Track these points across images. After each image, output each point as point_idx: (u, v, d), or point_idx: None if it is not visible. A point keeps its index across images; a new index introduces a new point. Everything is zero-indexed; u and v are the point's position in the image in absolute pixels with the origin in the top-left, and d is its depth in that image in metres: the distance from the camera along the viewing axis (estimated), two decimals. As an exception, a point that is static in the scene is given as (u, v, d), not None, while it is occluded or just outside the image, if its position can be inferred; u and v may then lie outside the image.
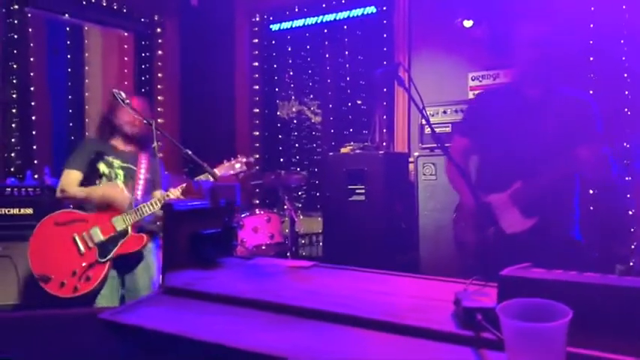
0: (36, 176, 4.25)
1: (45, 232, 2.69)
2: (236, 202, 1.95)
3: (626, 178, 3.67)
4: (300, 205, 5.62)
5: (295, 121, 5.90)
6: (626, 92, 3.73)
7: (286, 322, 1.25)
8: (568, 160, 2.15)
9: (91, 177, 2.79)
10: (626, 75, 3.77)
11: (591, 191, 3.82)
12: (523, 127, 2.24)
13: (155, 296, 1.51)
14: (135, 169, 2.85)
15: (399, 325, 1.13)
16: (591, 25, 3.88)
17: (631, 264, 3.39)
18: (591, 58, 3.87)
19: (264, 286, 1.51)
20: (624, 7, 3.78)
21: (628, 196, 3.66)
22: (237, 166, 2.79)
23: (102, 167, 2.79)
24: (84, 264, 2.62)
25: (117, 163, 2.83)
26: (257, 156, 5.73)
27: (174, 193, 2.70)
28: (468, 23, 4.22)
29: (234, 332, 1.21)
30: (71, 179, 2.77)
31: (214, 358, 1.18)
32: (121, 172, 2.82)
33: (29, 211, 3.65)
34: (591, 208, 3.82)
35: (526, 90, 2.32)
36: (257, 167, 5.66)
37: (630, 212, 3.64)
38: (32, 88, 4.53)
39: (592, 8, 3.81)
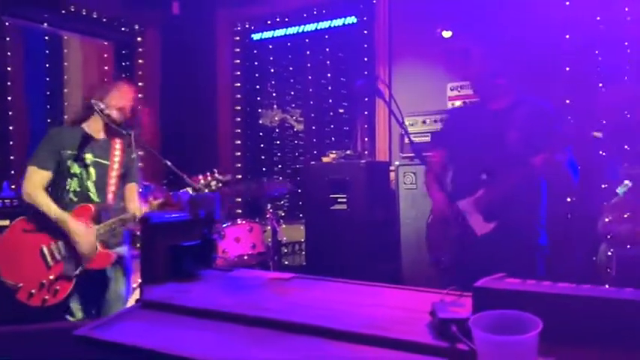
0: (13, 187, 4.19)
1: (13, 239, 2.60)
2: (215, 213, 1.95)
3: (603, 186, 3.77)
4: (282, 214, 5.61)
5: (277, 130, 5.91)
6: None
7: (268, 336, 1.25)
8: (524, 168, 2.25)
9: (60, 177, 2.64)
10: (600, 85, 3.86)
11: (569, 199, 3.90)
12: (488, 139, 2.37)
13: (133, 310, 1.50)
14: (107, 164, 2.71)
15: (380, 338, 1.14)
16: (567, 36, 3.97)
17: (608, 270, 3.46)
18: (567, 69, 3.95)
19: (244, 299, 1.51)
20: (598, 18, 3.88)
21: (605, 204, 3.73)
22: (213, 184, 2.71)
23: (72, 166, 2.64)
24: (51, 277, 2.55)
25: (89, 158, 2.67)
26: (239, 165, 5.72)
27: (152, 206, 2.65)
28: (447, 34, 4.28)
29: (215, 348, 1.20)
30: (37, 180, 2.60)
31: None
32: (92, 172, 2.67)
33: (6, 222, 3.59)
34: (569, 216, 3.90)
35: (489, 103, 2.47)
36: (239, 176, 5.65)
37: (607, 219, 3.71)
38: (9, 98, 4.47)
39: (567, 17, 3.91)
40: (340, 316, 1.32)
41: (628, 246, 3.54)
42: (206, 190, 2.67)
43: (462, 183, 2.48)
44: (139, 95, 2.89)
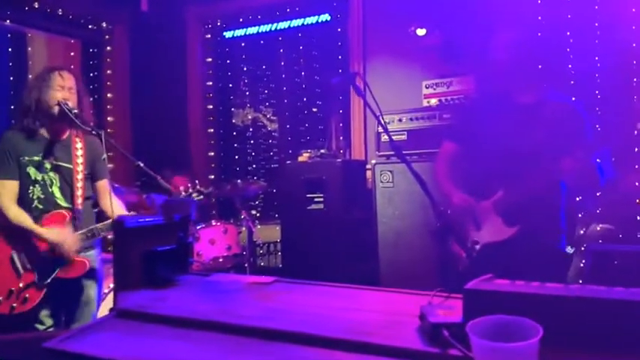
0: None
1: None
2: (191, 216, 1.88)
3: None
4: (257, 214, 5.54)
5: (251, 129, 5.83)
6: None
7: (246, 344, 1.19)
8: (550, 170, 2.12)
9: (22, 185, 2.50)
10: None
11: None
12: (512, 135, 2.21)
13: (106, 320, 1.42)
14: (71, 167, 2.58)
15: (365, 344, 1.10)
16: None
17: (581, 265, 3.48)
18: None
19: (222, 305, 1.45)
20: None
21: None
22: (194, 196, 2.62)
23: (33, 173, 2.51)
24: (21, 285, 2.45)
25: (48, 165, 2.54)
26: (212, 165, 5.63)
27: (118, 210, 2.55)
28: (421, 32, 4.27)
29: (192, 358, 1.14)
30: (7, 192, 2.48)
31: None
32: (55, 177, 2.55)
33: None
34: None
35: (517, 96, 2.31)
36: (212, 176, 5.56)
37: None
38: (-29, 98, 4.28)
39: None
40: (323, 321, 1.27)
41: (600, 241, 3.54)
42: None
43: (480, 179, 2.33)
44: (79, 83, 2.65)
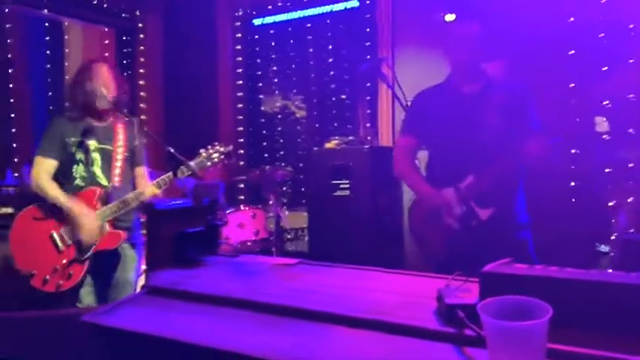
0: (16, 175, 4.19)
1: (24, 228, 2.64)
2: (219, 200, 1.94)
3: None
4: (285, 201, 5.61)
5: (279, 116, 5.88)
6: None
7: (273, 322, 1.25)
8: (515, 154, 2.24)
9: (66, 164, 2.69)
10: (605, 68, 3.82)
11: (573, 183, 3.89)
12: (464, 123, 2.34)
13: (138, 296, 1.50)
14: (111, 149, 2.75)
15: (384, 323, 1.14)
16: (571, 19, 3.92)
17: (612, 254, 3.45)
18: (572, 52, 3.90)
19: (249, 284, 1.51)
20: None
21: (609, 187, 3.72)
22: (215, 156, 2.72)
23: (77, 153, 2.68)
24: (64, 261, 2.59)
25: (93, 145, 2.71)
26: (241, 152, 5.71)
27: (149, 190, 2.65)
28: (450, 17, 4.23)
29: (220, 334, 1.20)
30: (43, 169, 2.66)
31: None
32: (97, 157, 2.71)
33: (9, 210, 3.60)
34: (573, 199, 3.89)
35: (463, 86, 2.43)
36: (242, 162, 5.64)
37: (610, 203, 3.70)
38: (11, 85, 4.45)
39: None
40: (345, 301, 1.32)
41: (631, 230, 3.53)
42: (208, 163, 2.68)
43: (442, 168, 2.44)
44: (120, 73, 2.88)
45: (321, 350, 1.08)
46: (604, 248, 3.62)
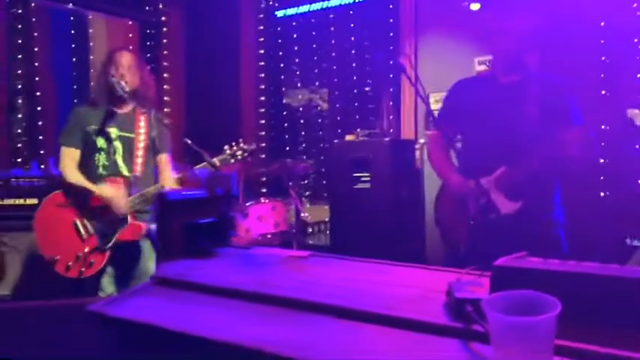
0: (42, 166, 4.26)
1: (48, 213, 2.70)
2: (233, 191, 1.92)
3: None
4: (307, 194, 5.59)
5: (302, 109, 5.85)
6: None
7: (279, 314, 1.22)
8: (552, 147, 2.18)
9: (88, 152, 2.73)
10: (603, 58, 3.71)
11: (602, 177, 3.77)
12: (501, 113, 2.30)
13: (147, 287, 1.49)
14: (133, 136, 2.77)
15: (391, 317, 1.11)
16: (602, 24, 3.79)
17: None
18: (603, 58, 3.78)
19: (258, 277, 1.48)
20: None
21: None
22: (239, 153, 2.73)
23: (100, 142, 2.72)
24: (86, 249, 2.63)
25: (114, 132, 2.73)
26: (263, 144, 5.70)
27: (169, 183, 2.68)
28: (475, 6, 4.14)
29: (225, 325, 1.18)
30: (69, 159, 2.72)
31: (205, 351, 1.15)
32: (119, 146, 2.74)
33: (34, 201, 3.66)
34: (602, 194, 3.77)
35: (502, 77, 2.38)
36: (263, 155, 5.64)
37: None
38: (37, 78, 4.53)
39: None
40: (354, 294, 1.28)
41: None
42: (232, 160, 2.68)
43: (475, 159, 2.40)
44: (144, 64, 2.93)
45: (324, 344, 1.06)
46: (637, 243, 3.52)
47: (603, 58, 3.75)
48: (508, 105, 2.30)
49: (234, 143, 2.75)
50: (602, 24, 3.77)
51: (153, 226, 2.80)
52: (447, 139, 2.48)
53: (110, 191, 2.64)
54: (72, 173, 2.71)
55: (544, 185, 2.30)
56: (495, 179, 2.27)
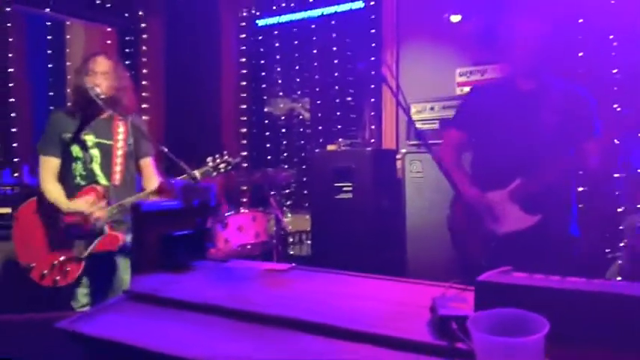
0: (16, 174, 4.15)
1: (25, 220, 2.63)
2: (210, 202, 1.87)
3: (615, 175, 3.63)
4: (289, 203, 5.54)
5: (283, 118, 5.81)
6: (615, 88, 3.69)
7: (257, 331, 1.18)
8: (572, 156, 2.13)
9: (66, 161, 2.65)
10: (615, 71, 3.72)
11: (580, 188, 3.78)
12: (518, 122, 2.22)
13: (120, 302, 1.43)
14: (111, 143, 2.68)
15: (373, 335, 1.07)
16: (580, 20, 3.83)
17: (619, 262, 3.34)
18: (580, 54, 3.81)
19: (234, 291, 1.44)
20: (613, 1, 3.73)
21: (616, 193, 3.61)
22: (222, 166, 2.65)
23: (75, 150, 2.64)
24: (62, 258, 2.56)
25: (90, 140, 2.65)
26: (244, 153, 5.65)
27: (144, 193, 2.61)
28: (455, 18, 4.16)
29: (200, 343, 1.13)
30: (47, 170, 2.64)
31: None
32: (96, 153, 2.65)
33: (7, 210, 3.56)
34: (580, 205, 3.78)
35: (520, 83, 2.30)
36: (245, 164, 5.58)
37: (619, 209, 3.59)
38: (11, 85, 4.41)
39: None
40: (333, 310, 1.24)
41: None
42: (214, 174, 2.62)
43: (489, 168, 2.31)
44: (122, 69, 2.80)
45: (303, 363, 1.01)
46: (616, 255, 3.53)
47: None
48: (527, 112, 2.22)
49: (217, 155, 2.64)
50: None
51: (130, 237, 2.73)
52: (466, 141, 2.40)
53: (84, 205, 2.56)
54: (49, 187, 2.61)
55: (563, 198, 2.23)
56: (510, 191, 2.20)
